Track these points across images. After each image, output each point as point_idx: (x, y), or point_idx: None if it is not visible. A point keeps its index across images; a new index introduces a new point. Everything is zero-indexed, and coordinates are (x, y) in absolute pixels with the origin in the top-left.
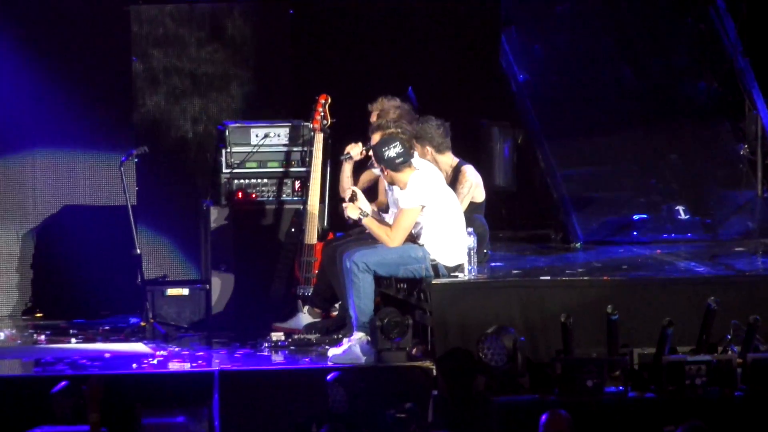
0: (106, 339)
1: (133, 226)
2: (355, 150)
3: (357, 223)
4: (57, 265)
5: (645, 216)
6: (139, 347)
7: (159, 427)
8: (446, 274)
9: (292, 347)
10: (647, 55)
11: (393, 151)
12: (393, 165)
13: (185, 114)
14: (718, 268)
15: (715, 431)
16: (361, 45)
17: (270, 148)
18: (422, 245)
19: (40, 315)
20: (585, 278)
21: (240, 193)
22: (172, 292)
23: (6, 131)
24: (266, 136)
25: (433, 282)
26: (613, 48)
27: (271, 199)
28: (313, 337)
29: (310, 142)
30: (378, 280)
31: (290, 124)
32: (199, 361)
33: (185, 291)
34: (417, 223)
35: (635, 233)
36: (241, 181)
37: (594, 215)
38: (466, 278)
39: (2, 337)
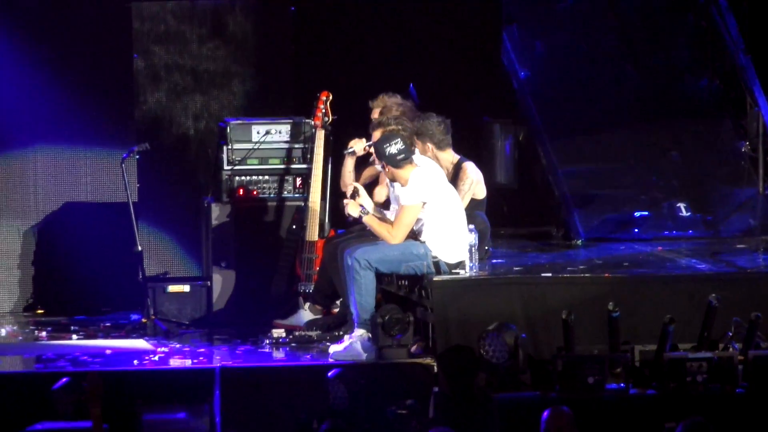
0: (107, 336)
1: (135, 223)
2: (359, 145)
3: (357, 221)
4: (58, 261)
5: (646, 213)
6: (140, 344)
7: (160, 423)
8: (447, 271)
9: (293, 344)
10: (648, 53)
11: (394, 147)
12: (394, 161)
13: (186, 111)
14: (720, 265)
15: (716, 428)
16: (363, 42)
17: (271, 145)
18: (423, 242)
19: (42, 311)
20: (586, 275)
21: (241, 190)
22: (173, 288)
23: (7, 128)
24: (267, 133)
25: (435, 279)
26: (614, 45)
27: (272, 196)
28: (314, 333)
29: (312, 139)
30: (379, 277)
31: (291, 121)
32: (200, 358)
33: (186, 288)
34: (418, 220)
35: (636, 230)
36: (243, 178)
37: (595, 212)
38: (468, 275)
39: (3, 334)
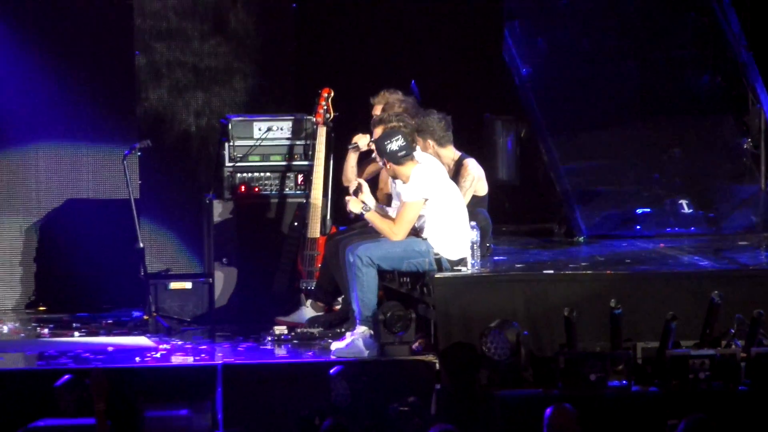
0: (109, 332)
1: (136, 220)
2: (363, 141)
3: (359, 217)
4: (60, 258)
5: (648, 210)
6: (142, 341)
7: (162, 420)
8: (449, 268)
9: (295, 341)
10: (650, 49)
11: (395, 144)
12: (395, 158)
13: (188, 107)
14: (722, 262)
15: (718, 425)
16: (365, 39)
17: (273, 142)
18: (425, 239)
19: (44, 308)
20: (588, 272)
21: (243, 187)
22: (175, 285)
23: (9, 125)
24: (269, 129)
25: (437, 276)
26: (616, 42)
27: (274, 192)
28: (316, 330)
29: (313, 136)
30: (381, 273)
31: (293, 117)
32: (202, 355)
33: (188, 285)
34: (420, 217)
35: (638, 227)
36: (244, 174)
37: (597, 209)
38: (470, 272)
39: (6, 331)
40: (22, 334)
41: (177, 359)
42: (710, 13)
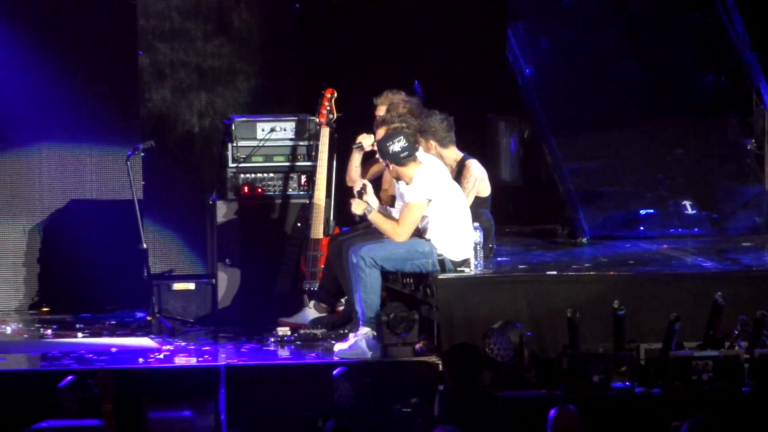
0: (112, 333)
1: (140, 221)
2: (367, 141)
3: (363, 218)
4: (63, 259)
5: (652, 211)
6: (145, 342)
7: (165, 421)
8: (452, 269)
9: (298, 342)
10: (654, 50)
11: (397, 145)
12: (398, 159)
13: (192, 108)
14: (725, 263)
15: (722, 427)
16: (368, 39)
17: (276, 143)
18: (429, 240)
19: (47, 309)
20: (592, 273)
21: (246, 188)
22: (178, 286)
23: (13, 125)
24: (272, 130)
25: (440, 277)
26: (619, 42)
27: (277, 193)
28: (319, 332)
29: (317, 137)
30: (384, 274)
31: (296, 118)
32: (206, 356)
33: (191, 285)
34: (423, 218)
35: (642, 228)
36: (248, 175)
37: (600, 210)
38: (473, 273)
39: (9, 332)
40: (26, 335)
41: (180, 360)
42: (714, 13)
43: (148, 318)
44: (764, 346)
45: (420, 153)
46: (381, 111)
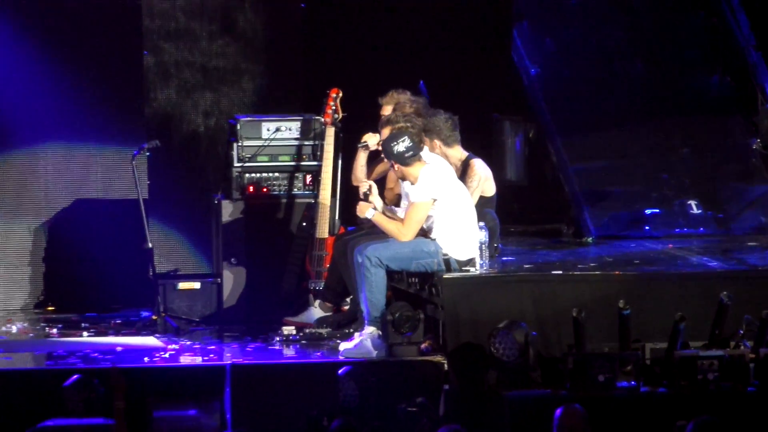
0: (117, 332)
1: (145, 220)
2: (372, 139)
3: (369, 220)
4: (69, 258)
5: (657, 210)
6: (150, 341)
7: (170, 420)
8: (458, 268)
9: (303, 341)
10: (659, 49)
11: (402, 145)
12: (402, 159)
13: (197, 108)
14: (731, 262)
15: (727, 426)
16: (373, 39)
17: (281, 142)
18: (434, 239)
19: (52, 308)
20: (597, 273)
21: (251, 187)
22: (183, 285)
23: (18, 125)
24: (277, 130)
25: (445, 276)
26: (625, 42)
27: (282, 193)
28: (324, 331)
29: (322, 136)
30: (389, 274)
31: (301, 118)
32: (211, 355)
33: (197, 285)
34: (428, 217)
35: (647, 228)
36: (253, 175)
37: (606, 210)
38: (478, 273)
39: (14, 331)
40: (31, 334)
41: (185, 359)
42: (720, 13)
43: (154, 317)
44: None
45: (425, 152)
46: (386, 111)
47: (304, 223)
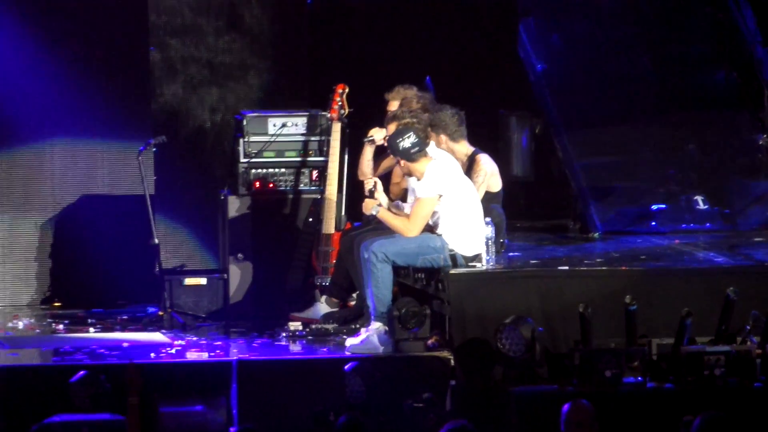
0: (124, 328)
1: (151, 216)
2: (379, 134)
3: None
4: (75, 254)
5: (663, 206)
6: (157, 337)
7: (177, 415)
8: (464, 264)
9: (309, 337)
10: (666, 45)
11: (407, 141)
12: (408, 155)
13: (203, 103)
14: (737, 258)
15: (734, 422)
16: (379, 35)
17: (288, 138)
18: (440, 235)
19: (59, 304)
20: (603, 268)
21: (258, 183)
22: (189, 281)
23: (24, 121)
24: (284, 125)
25: (451, 272)
26: (631, 37)
27: (288, 188)
28: (330, 326)
29: (328, 132)
30: (396, 269)
31: (308, 113)
32: (217, 351)
33: (203, 280)
34: (434, 213)
35: (654, 223)
36: (259, 170)
37: (612, 205)
38: (484, 268)
39: (21, 327)
40: (38, 330)
41: (192, 355)
42: (726, 8)
43: (160, 313)
44: None
45: (431, 148)
46: (393, 106)
47: (311, 219)
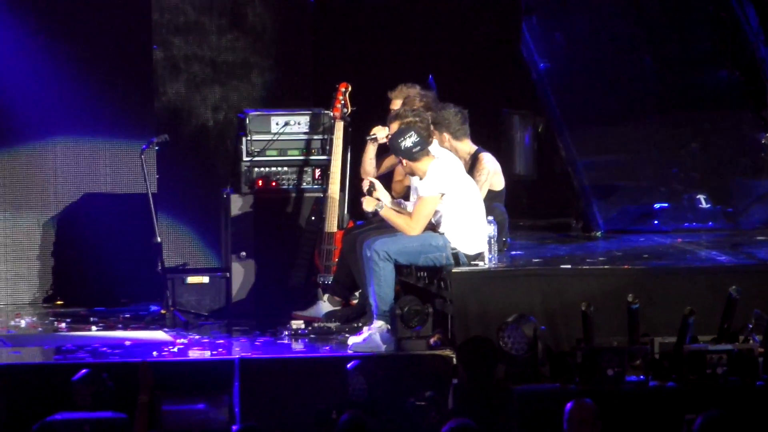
0: (126, 327)
1: (154, 214)
2: (381, 132)
3: (376, 214)
4: (78, 252)
5: (666, 205)
6: (159, 335)
7: (179, 414)
8: (466, 262)
9: (312, 335)
10: (668, 44)
11: (408, 141)
12: (410, 155)
13: (206, 102)
14: (740, 257)
15: (736, 420)
16: (382, 33)
17: (290, 136)
18: (442, 233)
19: (61, 303)
20: (606, 267)
21: (260, 181)
22: (192, 280)
23: (27, 119)
24: (286, 124)
25: (454, 270)
26: (634, 36)
27: (291, 187)
28: (333, 325)
29: (331, 130)
30: (398, 268)
31: (310, 112)
32: (220, 349)
33: (205, 279)
34: (437, 212)
35: (656, 222)
36: (262, 169)
37: (615, 204)
38: (487, 267)
39: (23, 325)
40: (40, 329)
41: (194, 353)
42: (729, 7)
43: (162, 311)
44: None
45: (433, 147)
46: (396, 105)
47: (313, 217)
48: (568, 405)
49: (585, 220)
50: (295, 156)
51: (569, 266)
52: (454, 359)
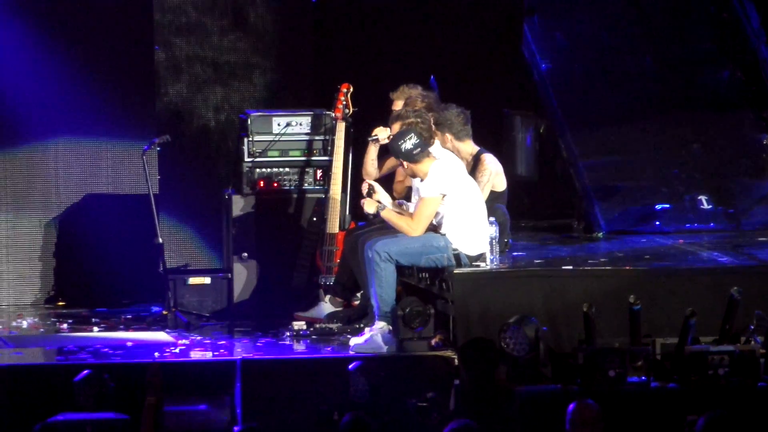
0: (128, 328)
1: (155, 215)
2: (383, 133)
3: (376, 216)
4: (79, 253)
5: (667, 206)
6: (161, 336)
7: (181, 415)
8: (468, 263)
9: (313, 336)
10: (670, 44)
11: (409, 143)
12: (410, 157)
13: (207, 103)
14: (741, 258)
15: (738, 421)
16: (383, 34)
17: (292, 137)
18: (444, 234)
19: (63, 303)
20: (607, 268)
21: (262, 182)
22: (194, 281)
23: (29, 120)
24: (288, 125)
25: (455, 271)
26: (635, 37)
27: (293, 188)
28: (334, 326)
29: (332, 131)
30: (400, 269)
31: (312, 113)
32: (221, 350)
33: (207, 280)
34: (438, 213)
35: (658, 223)
36: (263, 170)
37: (616, 205)
38: (488, 268)
39: (25, 326)
40: (42, 329)
41: (196, 354)
42: (730, 8)
43: (164, 312)
44: None
45: (435, 147)
46: (397, 105)
47: (315, 218)
48: (571, 406)
49: (586, 221)
50: (297, 157)
51: (571, 267)
52: (456, 360)
